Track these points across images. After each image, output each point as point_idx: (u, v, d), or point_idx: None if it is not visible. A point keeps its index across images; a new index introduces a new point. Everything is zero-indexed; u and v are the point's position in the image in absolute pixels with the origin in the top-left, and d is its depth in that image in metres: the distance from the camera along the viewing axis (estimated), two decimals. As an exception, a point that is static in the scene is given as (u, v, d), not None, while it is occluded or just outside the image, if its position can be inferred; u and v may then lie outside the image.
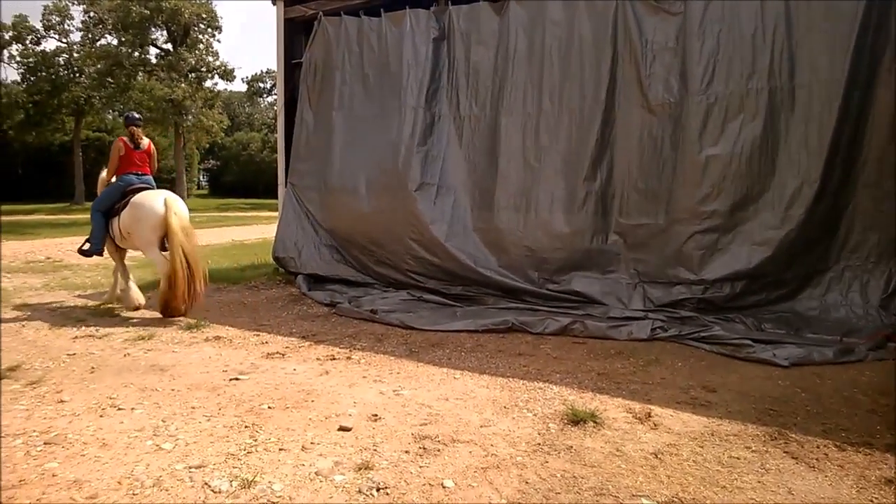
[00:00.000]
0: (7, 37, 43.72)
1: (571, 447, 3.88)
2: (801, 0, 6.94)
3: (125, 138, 8.68)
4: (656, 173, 7.72)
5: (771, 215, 7.08)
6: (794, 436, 4.07)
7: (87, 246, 8.59)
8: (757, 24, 7.11)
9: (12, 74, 59.98)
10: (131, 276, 8.64)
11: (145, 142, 8.82)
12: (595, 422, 4.28)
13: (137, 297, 8.34)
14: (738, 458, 3.74)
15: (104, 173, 8.99)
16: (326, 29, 10.45)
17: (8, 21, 43.42)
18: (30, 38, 43.74)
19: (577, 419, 4.29)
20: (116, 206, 8.43)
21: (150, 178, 8.84)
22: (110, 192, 8.59)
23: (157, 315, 7.83)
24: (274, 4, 11.27)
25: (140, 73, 40.50)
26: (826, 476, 3.53)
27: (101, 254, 8.65)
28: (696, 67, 7.41)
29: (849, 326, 6.56)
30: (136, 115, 9.02)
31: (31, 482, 3.42)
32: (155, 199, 7.98)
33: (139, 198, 8.12)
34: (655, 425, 4.27)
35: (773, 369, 5.61)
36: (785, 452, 3.83)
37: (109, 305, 8.59)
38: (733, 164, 7.18)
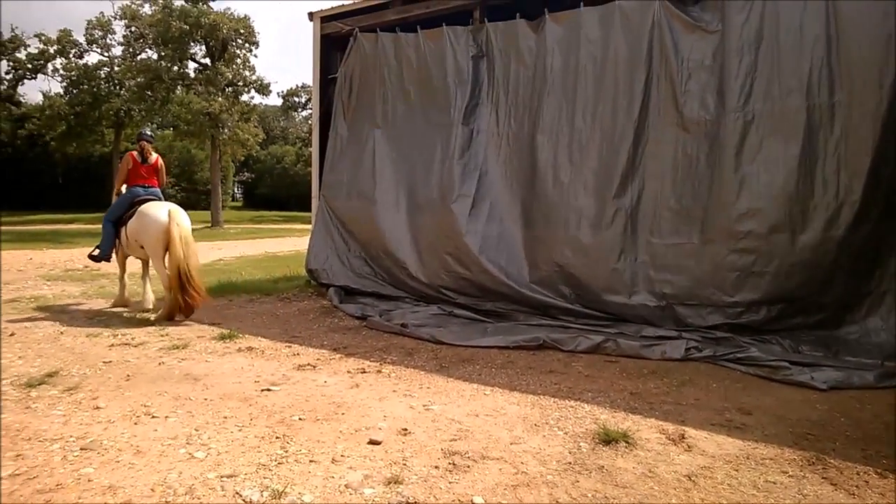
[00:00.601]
0: (52, 50, 44.54)
1: (603, 467, 3.84)
2: (841, 16, 6.80)
3: (134, 153, 9.41)
4: (690, 192, 7.61)
5: (809, 236, 6.87)
6: (832, 461, 3.99)
7: (96, 252, 9.21)
8: (796, 41, 7.01)
9: (55, 87, 61.10)
10: (148, 282, 9.44)
11: (153, 157, 9.50)
12: (627, 442, 4.23)
13: (150, 300, 9.22)
14: (774, 483, 3.67)
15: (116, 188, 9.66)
16: (363, 44, 10.55)
17: (53, 35, 44.24)
18: (73, 51, 44.52)
19: (608, 439, 4.25)
20: (125, 216, 9.05)
21: (157, 190, 9.45)
22: (120, 202, 9.28)
23: (190, 324, 7.92)
24: (311, 21, 11.38)
25: (179, 87, 40.98)
26: None
27: (109, 259, 9.26)
28: (733, 85, 7.33)
29: (889, 350, 6.38)
30: (148, 133, 9.80)
31: (67, 486, 3.46)
32: (160, 210, 8.56)
33: (145, 208, 8.72)
34: (689, 447, 4.21)
35: (810, 392, 5.51)
36: (823, 478, 3.75)
37: (122, 308, 9.24)
38: (770, 184, 7.06)
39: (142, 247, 8.77)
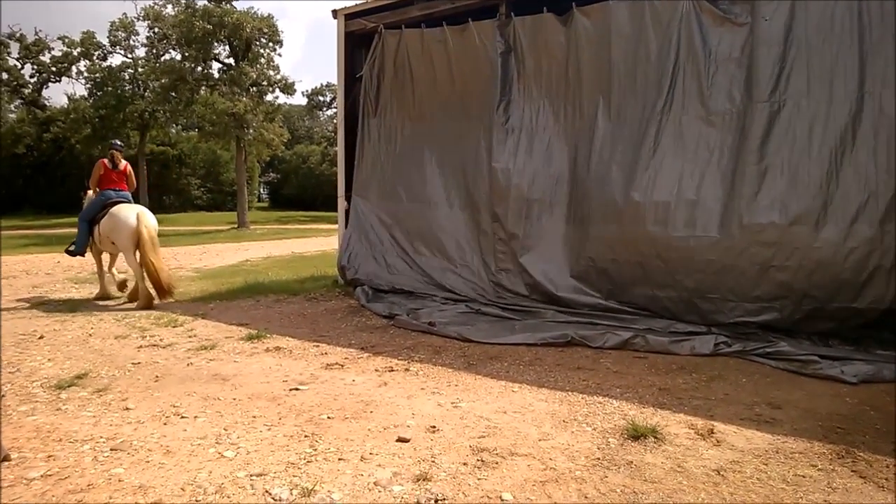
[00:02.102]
0: (75, 53, 44.91)
1: (632, 462, 3.83)
2: (872, 7, 6.69)
3: (106, 160, 10.73)
4: (716, 184, 7.51)
5: (834, 230, 6.76)
6: (862, 455, 3.95)
7: (72, 247, 10.49)
8: (826, 33, 6.93)
9: (80, 89, 61.64)
10: (115, 274, 10.74)
11: (122, 163, 10.86)
12: (656, 437, 4.21)
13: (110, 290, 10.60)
14: (803, 477, 3.64)
15: (90, 192, 11.10)
16: (388, 42, 10.57)
17: (77, 38, 44.61)
18: (97, 53, 44.84)
19: (637, 434, 4.23)
20: (98, 216, 10.31)
21: (127, 193, 10.74)
22: (93, 203, 10.54)
23: (218, 325, 7.98)
24: (334, 18, 11.39)
25: (203, 88, 41.16)
26: (897, 497, 3.43)
27: (83, 254, 10.52)
28: (760, 77, 7.25)
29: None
30: (118, 143, 11.30)
31: (98, 487, 3.50)
32: (130, 212, 9.90)
33: (117, 209, 10.05)
34: (718, 442, 4.19)
35: (840, 386, 5.46)
36: (853, 471, 3.72)
37: (106, 300, 10.29)
38: (795, 175, 6.99)
39: (113, 243, 10.09)
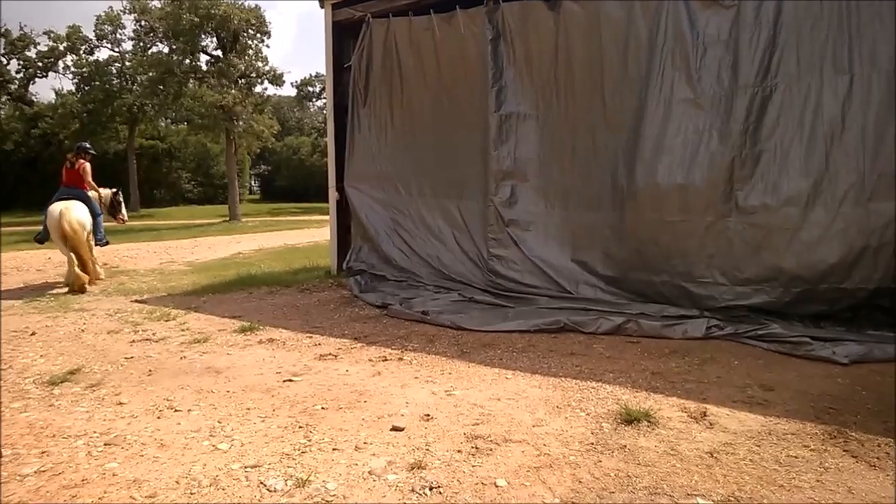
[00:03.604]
0: (62, 47, 44.66)
1: (625, 446, 3.85)
2: None
3: (67, 163, 11.68)
4: (706, 168, 7.51)
5: (823, 212, 6.79)
6: (854, 434, 3.98)
7: (39, 236, 11.62)
8: (814, 16, 6.92)
9: (67, 84, 61.37)
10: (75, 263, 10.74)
11: (77, 163, 11.58)
12: (649, 421, 4.23)
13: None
14: (796, 457, 3.67)
15: None
16: (376, 30, 10.54)
17: (63, 32, 44.37)
18: (83, 48, 44.62)
19: (630, 418, 4.25)
20: None
21: (78, 190, 11.54)
22: (54, 199, 11.41)
23: (212, 318, 7.98)
24: (322, 8, 11.34)
25: (191, 80, 40.97)
26: (887, 475, 3.45)
27: (41, 242, 11.65)
28: (749, 60, 7.25)
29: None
30: (83, 144, 12.13)
31: (92, 481, 3.50)
32: (56, 208, 10.84)
33: (51, 206, 11.01)
34: (711, 424, 4.21)
35: (832, 367, 5.49)
36: (845, 451, 3.75)
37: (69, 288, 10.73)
38: (787, 158, 7.00)
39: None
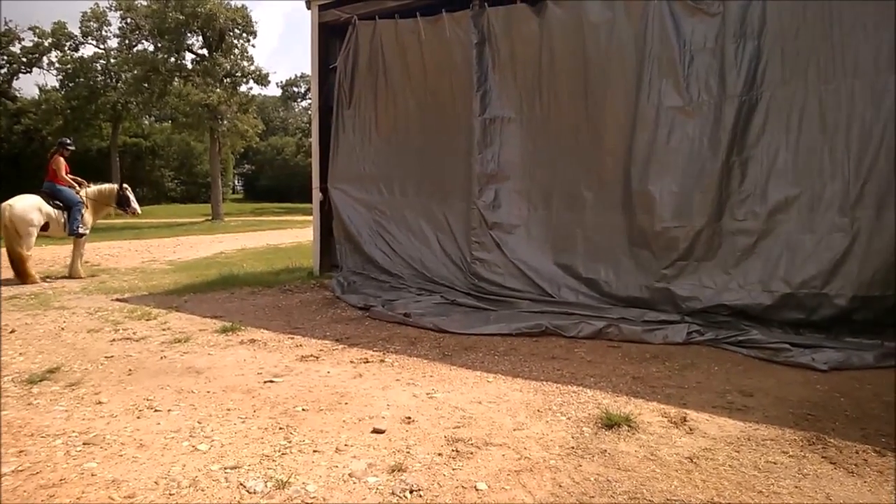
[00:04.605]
0: (46, 43, 44.36)
1: (605, 451, 3.86)
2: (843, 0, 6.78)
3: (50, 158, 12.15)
4: (696, 174, 7.57)
5: (809, 218, 6.88)
6: (832, 441, 4.01)
7: None
8: (799, 24, 6.98)
9: (51, 80, 61.02)
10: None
11: (53, 159, 12.03)
12: (629, 426, 4.24)
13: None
14: (775, 463, 3.69)
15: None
16: (362, 32, 10.55)
17: (48, 28, 44.08)
18: (68, 44, 44.33)
19: (611, 423, 4.26)
20: None
21: (51, 184, 11.94)
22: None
23: (192, 318, 7.96)
24: (308, 9, 11.33)
25: (176, 79, 40.82)
26: (865, 481, 3.47)
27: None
28: (733, 69, 7.31)
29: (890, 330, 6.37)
30: (64, 140, 12.60)
31: (70, 481, 3.47)
32: (6, 203, 11.24)
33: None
34: (691, 430, 4.23)
35: (811, 373, 5.53)
36: (823, 457, 3.77)
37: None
38: (773, 166, 7.08)
39: None
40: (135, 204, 12.94)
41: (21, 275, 11.23)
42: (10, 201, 11.25)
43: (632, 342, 6.71)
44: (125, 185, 12.94)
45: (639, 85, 7.97)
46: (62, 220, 11.75)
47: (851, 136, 6.69)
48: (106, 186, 12.73)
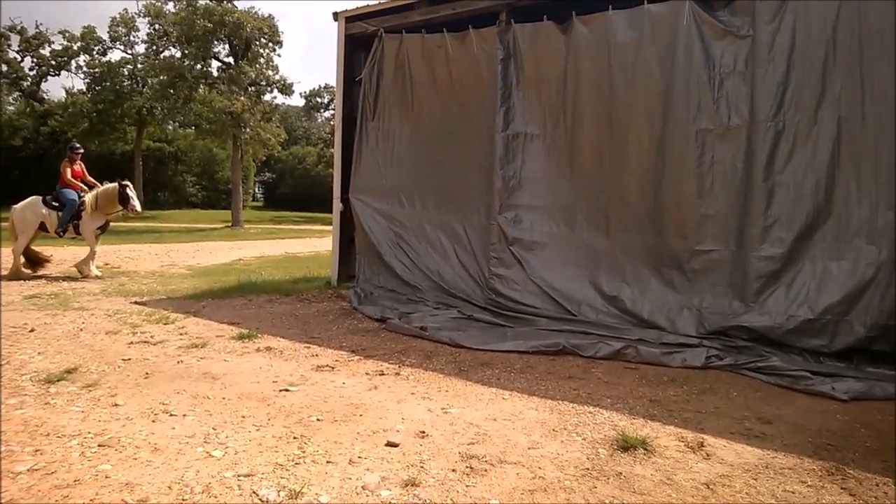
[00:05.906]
0: (75, 47, 44.86)
1: (621, 473, 3.82)
2: (872, 28, 6.71)
3: None
4: (723, 198, 7.55)
5: (835, 246, 6.84)
6: (851, 472, 3.94)
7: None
8: (828, 50, 6.94)
9: (78, 84, 61.65)
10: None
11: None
12: (646, 449, 4.20)
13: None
14: (792, 493, 3.63)
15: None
16: (388, 45, 10.60)
17: (77, 32, 44.59)
18: (97, 48, 44.81)
19: (627, 445, 4.22)
20: None
21: (58, 186, 12.58)
22: None
23: (210, 324, 7.98)
24: (335, 21, 11.39)
25: (201, 86, 41.14)
26: (885, 515, 3.42)
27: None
28: (762, 93, 7.27)
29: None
30: (73, 145, 13.57)
31: (85, 482, 3.48)
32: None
33: None
34: (708, 455, 4.18)
35: (831, 403, 5.45)
36: (842, 489, 3.71)
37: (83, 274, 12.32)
38: (800, 192, 7.03)
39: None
40: (134, 201, 12.87)
41: (13, 268, 12.28)
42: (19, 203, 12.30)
43: (649, 364, 6.64)
44: (126, 182, 12.89)
45: (666, 106, 7.93)
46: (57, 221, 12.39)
47: (880, 163, 6.64)
48: (107, 186, 12.75)
